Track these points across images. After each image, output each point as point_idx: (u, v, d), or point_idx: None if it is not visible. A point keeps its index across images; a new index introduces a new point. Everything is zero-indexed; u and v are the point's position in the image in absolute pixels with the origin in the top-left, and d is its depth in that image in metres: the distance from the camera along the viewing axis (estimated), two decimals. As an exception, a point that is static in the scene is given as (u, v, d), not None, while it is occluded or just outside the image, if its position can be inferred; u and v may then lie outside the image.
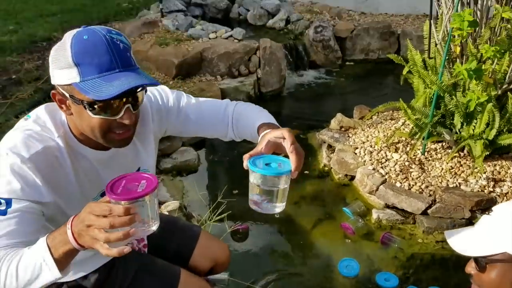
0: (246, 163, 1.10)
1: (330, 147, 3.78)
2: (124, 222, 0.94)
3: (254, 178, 1.11)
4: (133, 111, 1.17)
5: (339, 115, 3.97)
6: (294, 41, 5.63)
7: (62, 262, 1.03)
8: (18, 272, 1.03)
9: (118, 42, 1.11)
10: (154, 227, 1.04)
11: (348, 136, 3.76)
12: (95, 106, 1.11)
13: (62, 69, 1.10)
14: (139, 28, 5.49)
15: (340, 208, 3.18)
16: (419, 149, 3.37)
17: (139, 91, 1.17)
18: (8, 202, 1.09)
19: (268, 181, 1.10)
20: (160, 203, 2.99)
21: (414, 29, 5.92)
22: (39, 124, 1.22)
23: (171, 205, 2.87)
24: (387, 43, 5.98)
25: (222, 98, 4.17)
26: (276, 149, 1.18)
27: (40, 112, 1.25)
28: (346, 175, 3.46)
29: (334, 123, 3.97)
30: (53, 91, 1.18)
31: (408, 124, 3.62)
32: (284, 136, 1.15)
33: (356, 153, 3.50)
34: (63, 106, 1.18)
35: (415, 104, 3.42)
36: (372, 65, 5.91)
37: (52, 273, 1.02)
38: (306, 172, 3.60)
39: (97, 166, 1.31)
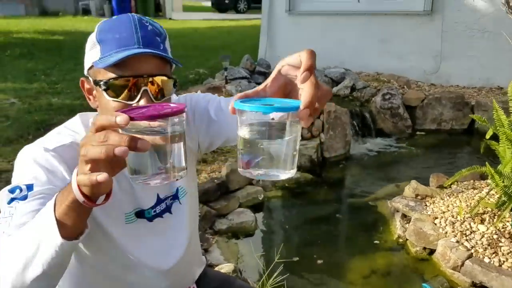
0: (231, 105, 0.77)
1: (404, 216, 3.41)
2: (122, 151, 0.72)
3: (241, 126, 0.76)
4: (154, 100, 1.06)
5: (413, 182, 3.64)
6: (360, 108, 5.37)
7: (65, 222, 0.85)
8: (18, 242, 0.90)
9: (147, 24, 1.07)
10: (176, 176, 0.81)
11: (426, 205, 3.40)
12: (109, 87, 1.04)
13: (88, 52, 1.09)
14: (203, 92, 5.42)
15: (418, 285, 2.75)
16: (508, 221, 2.96)
17: (158, 75, 1.06)
18: (29, 187, 1.01)
19: (262, 128, 0.75)
20: (213, 266, 2.67)
21: (489, 101, 5.52)
22: (69, 128, 1.19)
23: (225, 268, 2.62)
24: (461, 113, 5.59)
25: (283, 161, 4.07)
26: (291, 91, 0.81)
27: (73, 118, 1.22)
28: (424, 248, 3.03)
29: (408, 191, 3.63)
30: (81, 78, 1.15)
31: (494, 194, 3.23)
32: (301, 60, 0.76)
33: (436, 224, 3.12)
34: (90, 97, 1.15)
35: (503, 169, 3.02)
36: (445, 136, 5.51)
37: (51, 236, 0.84)
38: (376, 242, 3.24)
39: (126, 174, 1.11)
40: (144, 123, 0.75)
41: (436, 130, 5.62)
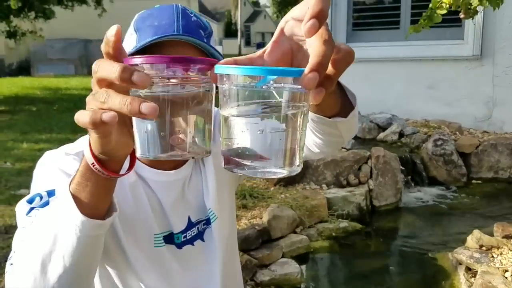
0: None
1: (469, 269, 3.09)
2: (109, 117, 0.58)
3: (224, 100, 0.57)
4: None
5: (477, 232, 3.32)
6: (410, 154, 5.05)
7: (82, 196, 0.71)
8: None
9: (191, 15, 0.98)
10: (194, 152, 0.64)
11: (492, 256, 3.10)
12: None
13: (125, 42, 0.99)
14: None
15: None
16: None
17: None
18: (51, 193, 0.88)
19: (252, 104, 0.55)
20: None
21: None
22: None
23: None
24: (520, 161, 5.18)
25: (329, 209, 3.78)
26: (301, 61, 0.61)
27: None
28: (496, 304, 2.64)
29: (471, 241, 3.32)
30: None
31: None
32: (308, 6, 0.55)
33: (506, 277, 2.81)
34: None
35: None
36: (504, 185, 5.09)
37: (68, 215, 0.70)
38: (439, 298, 2.85)
39: (156, 191, 1.08)
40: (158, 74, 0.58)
41: (493, 179, 5.21)
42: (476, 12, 3.61)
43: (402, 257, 3.75)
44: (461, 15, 3.64)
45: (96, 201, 0.71)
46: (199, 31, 0.98)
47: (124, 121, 0.64)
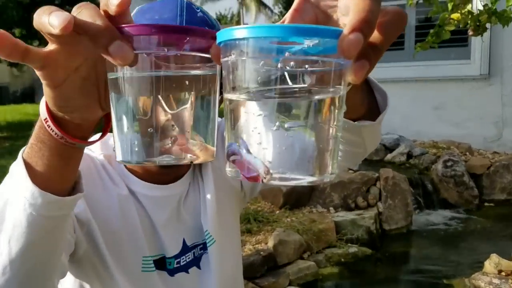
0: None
1: None
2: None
3: (228, 79, 0.42)
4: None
5: (494, 257, 3.18)
6: (419, 176, 4.89)
7: (35, 163, 0.58)
8: None
9: (197, 10, 0.91)
10: (193, 153, 0.49)
11: None
12: None
13: None
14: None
15: None
16: None
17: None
18: None
19: (269, 80, 0.39)
20: None
21: None
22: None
23: None
24: (533, 182, 5.01)
25: (337, 233, 3.61)
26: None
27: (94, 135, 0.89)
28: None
29: (489, 266, 3.20)
30: None
31: None
32: None
33: None
34: None
35: None
36: (518, 207, 4.90)
37: (19, 185, 0.58)
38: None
39: (148, 208, 0.96)
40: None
41: (507, 201, 5.04)
42: (485, 29, 3.51)
43: (416, 284, 3.57)
44: (470, 33, 3.55)
45: (53, 172, 0.58)
46: (205, 27, 0.85)
47: (88, 73, 0.52)
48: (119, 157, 0.48)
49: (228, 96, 0.42)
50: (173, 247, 0.97)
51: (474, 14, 3.37)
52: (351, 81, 0.41)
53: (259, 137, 0.40)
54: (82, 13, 0.44)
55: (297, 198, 4.21)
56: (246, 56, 0.40)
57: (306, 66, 0.39)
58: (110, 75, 0.47)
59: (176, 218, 0.99)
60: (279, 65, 0.38)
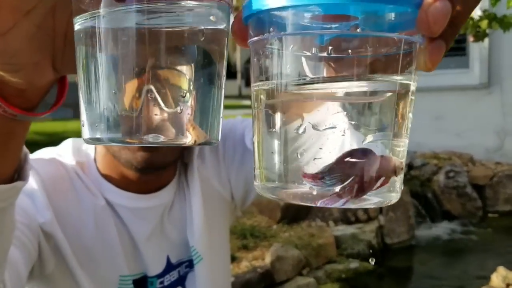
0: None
1: None
2: None
3: (260, 66, 0.31)
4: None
5: (502, 269, 3.09)
6: (421, 187, 4.81)
7: None
8: None
9: None
10: (195, 134, 0.34)
11: None
12: None
13: None
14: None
15: None
16: None
17: None
18: None
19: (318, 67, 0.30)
20: None
21: None
22: (56, 148, 0.93)
23: None
24: (537, 192, 4.92)
25: (337, 247, 3.49)
26: None
27: (64, 142, 0.96)
28: None
29: (496, 280, 3.09)
30: None
31: None
32: None
33: None
34: None
35: None
36: (523, 218, 4.80)
37: None
38: None
39: (127, 222, 0.88)
40: None
41: (511, 212, 4.94)
42: (486, 34, 3.44)
43: (421, 300, 3.45)
44: (471, 39, 3.48)
45: None
46: None
47: (43, 20, 0.39)
48: (86, 134, 0.36)
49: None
50: (156, 265, 0.90)
51: (474, 20, 3.31)
52: (423, 67, 0.33)
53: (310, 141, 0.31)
54: None
55: (295, 212, 4.10)
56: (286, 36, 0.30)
57: (365, 49, 0.29)
58: (78, 22, 0.34)
59: (160, 232, 0.91)
60: (330, 49, 0.30)
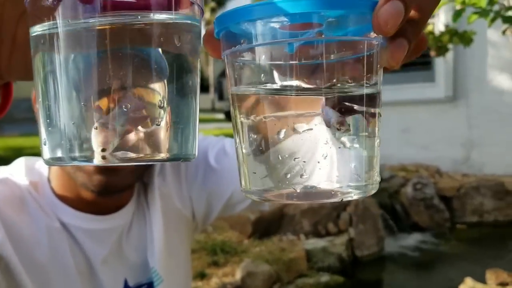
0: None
1: None
2: None
3: (233, 68, 0.34)
4: None
5: (469, 281, 3.11)
6: (389, 200, 4.84)
7: None
8: None
9: None
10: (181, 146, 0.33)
11: None
12: None
13: None
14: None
15: None
16: None
17: None
18: None
19: (288, 68, 0.32)
20: None
21: (534, 188, 4.98)
22: (8, 168, 0.90)
23: None
24: (503, 203, 5.01)
25: (308, 261, 3.48)
26: None
27: (16, 161, 0.93)
28: None
29: None
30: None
31: None
32: None
33: None
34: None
35: None
36: (490, 229, 4.88)
37: None
38: None
39: (83, 244, 0.85)
40: None
41: (478, 223, 5.00)
42: (446, 49, 3.52)
43: (391, 313, 3.45)
44: (432, 53, 3.55)
45: None
46: None
47: None
48: (46, 154, 0.33)
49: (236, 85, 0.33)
50: None
51: (436, 35, 3.38)
52: (387, 66, 0.35)
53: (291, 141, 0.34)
54: None
55: (266, 226, 4.07)
56: (256, 46, 0.32)
57: (331, 53, 0.32)
58: (36, 31, 0.31)
59: (117, 254, 0.88)
60: (298, 56, 0.32)
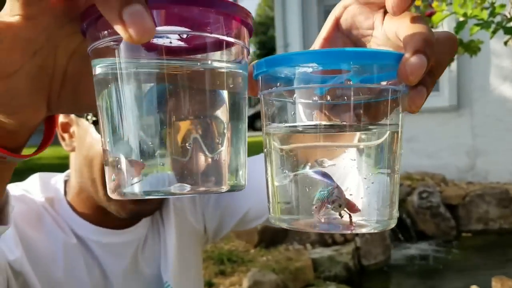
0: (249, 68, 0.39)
1: None
2: None
3: (269, 114, 0.38)
4: None
5: None
6: (395, 208, 4.83)
7: None
8: None
9: None
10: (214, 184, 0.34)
11: None
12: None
13: None
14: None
15: None
16: None
17: None
18: None
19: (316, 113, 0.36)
20: None
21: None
22: (23, 184, 0.90)
23: None
24: (508, 210, 5.01)
25: (315, 270, 3.48)
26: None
27: (30, 177, 0.93)
28: None
29: None
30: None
31: None
32: None
33: None
34: (65, 135, 0.89)
35: None
36: (496, 237, 4.87)
37: None
38: None
39: (100, 258, 0.86)
40: None
41: (483, 231, 4.99)
42: (452, 59, 3.55)
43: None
44: (437, 64, 3.56)
45: None
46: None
47: (46, 59, 0.37)
48: (124, 188, 0.33)
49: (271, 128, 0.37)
50: None
51: (440, 46, 3.41)
52: (408, 110, 0.39)
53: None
54: None
55: (272, 235, 4.08)
56: (293, 89, 0.36)
57: (358, 96, 0.36)
58: (99, 65, 0.33)
59: (133, 268, 0.89)
60: (328, 97, 0.35)
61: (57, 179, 0.93)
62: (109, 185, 0.35)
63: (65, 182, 0.93)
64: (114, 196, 0.35)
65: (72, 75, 0.39)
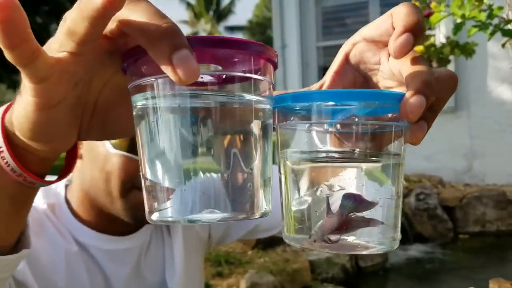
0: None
1: None
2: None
3: (283, 146, 0.43)
4: None
5: None
6: (393, 210, 4.84)
7: None
8: None
9: None
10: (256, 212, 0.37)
11: None
12: None
13: None
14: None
15: None
16: None
17: None
18: None
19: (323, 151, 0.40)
20: None
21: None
22: None
23: None
24: (505, 212, 5.02)
25: (312, 272, 3.49)
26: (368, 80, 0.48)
27: None
28: None
29: None
30: None
31: None
32: (394, 19, 0.42)
33: None
34: None
35: None
36: (493, 239, 4.89)
37: None
38: None
39: (103, 265, 0.85)
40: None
41: (481, 233, 5.01)
42: (448, 61, 3.55)
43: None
44: (434, 65, 3.58)
45: None
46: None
47: (83, 90, 0.39)
48: (175, 213, 0.35)
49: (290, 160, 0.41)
50: None
51: (437, 47, 3.42)
52: (410, 142, 0.42)
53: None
54: (132, 8, 0.33)
55: (270, 237, 4.06)
56: (307, 121, 0.40)
57: (365, 126, 0.40)
58: (146, 100, 0.36)
59: (136, 274, 0.88)
60: (338, 126, 0.40)
61: (58, 183, 0.92)
62: (148, 209, 0.37)
63: (66, 186, 0.92)
64: (151, 219, 0.36)
65: (102, 105, 0.41)
